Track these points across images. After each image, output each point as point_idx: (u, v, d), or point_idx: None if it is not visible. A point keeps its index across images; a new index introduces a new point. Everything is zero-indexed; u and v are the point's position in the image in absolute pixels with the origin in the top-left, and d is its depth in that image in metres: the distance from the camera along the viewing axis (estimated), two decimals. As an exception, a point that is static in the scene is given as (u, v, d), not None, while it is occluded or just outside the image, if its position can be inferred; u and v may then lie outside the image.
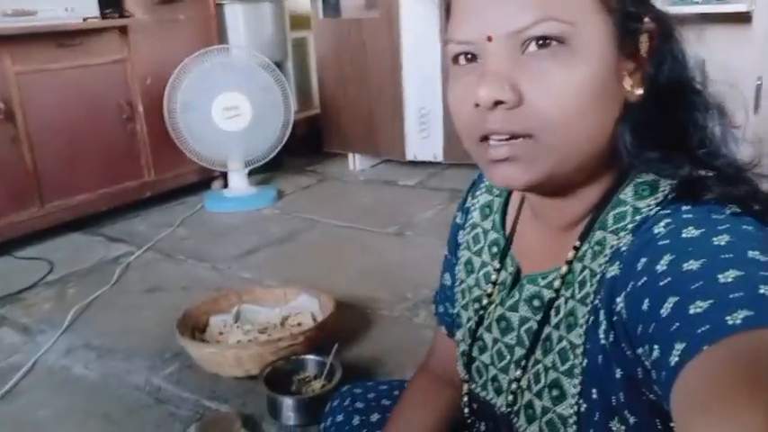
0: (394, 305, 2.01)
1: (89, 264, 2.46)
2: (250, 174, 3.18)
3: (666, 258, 0.48)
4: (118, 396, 1.62)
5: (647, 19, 0.57)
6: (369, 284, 2.15)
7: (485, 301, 0.72)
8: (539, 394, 0.63)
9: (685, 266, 0.46)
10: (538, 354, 0.64)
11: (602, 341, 0.56)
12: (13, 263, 2.49)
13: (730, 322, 0.40)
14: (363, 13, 3.39)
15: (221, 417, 1.50)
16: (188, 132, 2.97)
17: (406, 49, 3.23)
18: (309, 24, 3.60)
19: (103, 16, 2.75)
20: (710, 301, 0.42)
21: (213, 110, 2.94)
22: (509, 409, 0.67)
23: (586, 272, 0.60)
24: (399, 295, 2.06)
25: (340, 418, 0.94)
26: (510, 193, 0.74)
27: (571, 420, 0.60)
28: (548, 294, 0.64)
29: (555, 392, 0.62)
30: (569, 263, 0.62)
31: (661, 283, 0.47)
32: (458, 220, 0.81)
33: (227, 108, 2.95)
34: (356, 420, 0.92)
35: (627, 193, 0.59)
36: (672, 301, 0.44)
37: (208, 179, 3.26)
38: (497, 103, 0.54)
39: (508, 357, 0.68)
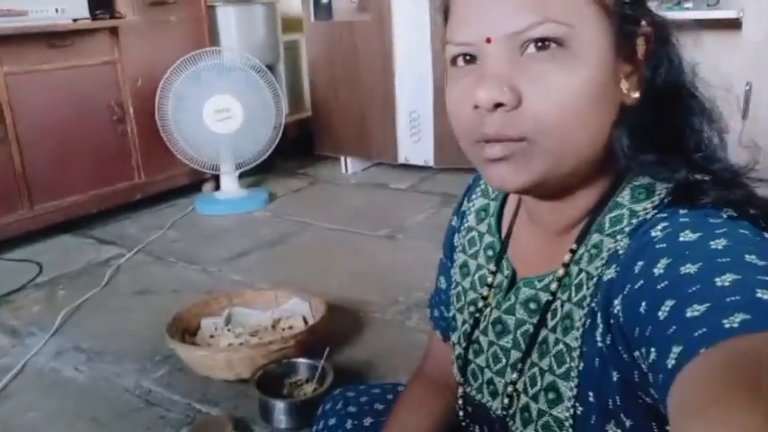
0: (386, 308, 2.01)
1: (79, 266, 2.44)
2: (241, 176, 3.18)
3: (664, 262, 0.48)
4: (107, 399, 1.61)
5: (644, 22, 0.57)
6: (360, 287, 2.15)
7: (480, 304, 0.72)
8: (535, 397, 0.63)
9: (683, 270, 0.46)
10: (534, 357, 0.64)
11: (599, 344, 0.56)
12: (1, 265, 2.47)
13: (727, 325, 0.40)
14: (355, 15, 3.39)
15: (212, 420, 1.49)
16: (179, 134, 2.96)
17: (397, 53, 3.24)
18: (301, 27, 3.60)
19: (94, 17, 2.74)
20: (707, 305, 0.42)
21: (204, 112, 2.93)
22: (505, 413, 0.67)
23: (583, 275, 0.60)
24: (391, 298, 2.06)
25: (332, 421, 0.93)
26: (506, 197, 0.75)
27: (567, 423, 0.60)
28: (544, 297, 0.64)
29: (551, 395, 0.62)
30: (566, 266, 0.62)
31: (658, 287, 0.47)
32: (453, 224, 0.81)
33: (219, 110, 2.94)
34: (349, 424, 0.91)
35: (623, 197, 0.59)
36: (669, 304, 0.45)
37: (199, 181, 3.25)
38: (497, 105, 0.54)
39: (504, 360, 0.68)
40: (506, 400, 0.67)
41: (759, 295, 0.41)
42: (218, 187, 3.20)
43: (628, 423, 0.56)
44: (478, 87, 0.54)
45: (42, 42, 2.57)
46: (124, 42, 2.84)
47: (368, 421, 0.91)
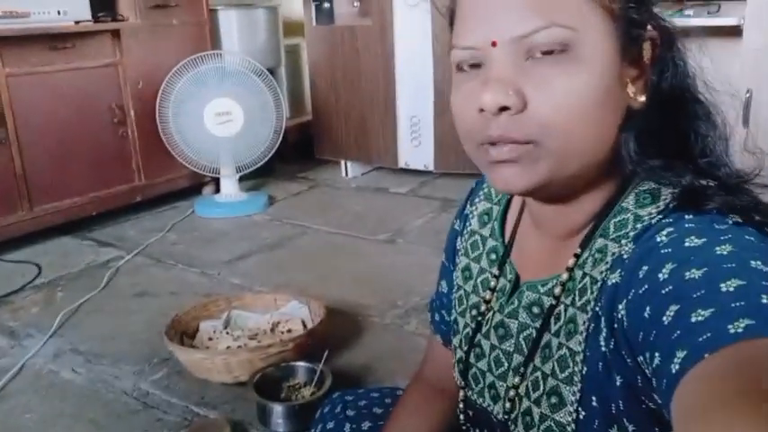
0: (385, 312, 2.01)
1: (78, 268, 2.44)
2: (241, 179, 3.18)
3: (668, 267, 0.48)
4: (105, 401, 1.60)
5: (650, 27, 0.57)
6: (360, 291, 2.15)
7: (483, 308, 0.72)
8: (537, 401, 0.63)
9: (687, 275, 0.46)
10: (537, 361, 0.64)
11: (603, 348, 0.56)
12: (0, 266, 2.47)
13: (732, 331, 0.40)
14: (357, 20, 3.40)
15: (210, 423, 1.49)
16: (179, 137, 2.96)
17: (399, 58, 3.24)
18: (303, 31, 3.60)
19: (96, 20, 2.74)
20: (712, 310, 0.42)
21: (205, 115, 2.93)
22: (506, 417, 0.67)
23: (587, 279, 0.60)
24: (390, 302, 2.06)
25: (331, 425, 0.93)
26: (509, 201, 0.75)
27: (570, 428, 0.60)
28: (547, 301, 0.64)
29: (554, 400, 0.62)
30: (570, 270, 0.62)
31: (663, 291, 0.47)
32: (456, 227, 0.81)
33: (220, 113, 2.94)
34: (347, 428, 0.91)
35: (628, 201, 0.59)
36: (673, 309, 0.44)
37: (199, 184, 3.25)
38: (502, 108, 0.54)
39: (506, 364, 0.68)
40: (508, 404, 0.67)
41: (764, 301, 0.41)
42: (218, 190, 3.20)
43: (630, 428, 0.56)
44: (484, 91, 0.55)
45: (44, 44, 2.58)
46: (126, 45, 2.84)
47: (366, 425, 0.91)
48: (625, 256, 0.56)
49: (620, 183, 0.61)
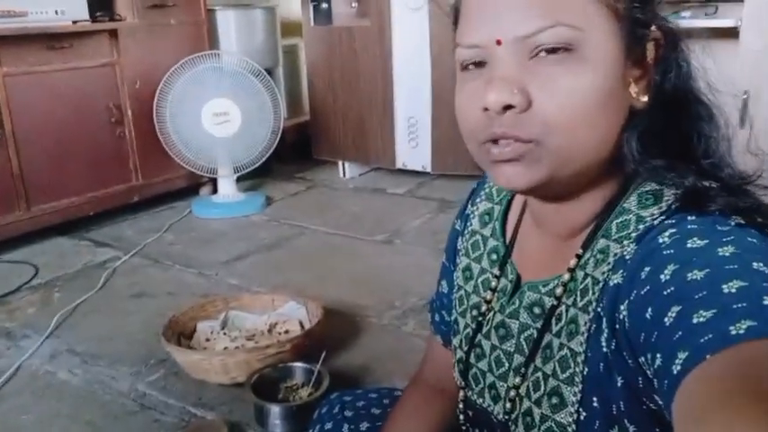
0: (382, 313, 2.01)
1: (75, 268, 2.44)
2: (239, 180, 3.17)
3: (671, 268, 0.48)
4: (102, 402, 1.60)
5: (654, 27, 0.58)
6: (357, 292, 2.15)
7: (483, 308, 0.72)
8: (538, 402, 0.63)
9: (689, 276, 0.46)
10: (537, 361, 0.64)
11: (604, 349, 0.56)
12: (-3, 266, 2.47)
13: (734, 332, 0.40)
14: (355, 21, 3.40)
15: (207, 424, 1.49)
16: (177, 137, 2.95)
17: (396, 58, 3.24)
18: (301, 31, 3.60)
19: (94, 19, 2.74)
20: (714, 311, 0.42)
21: (203, 115, 2.93)
22: (507, 417, 0.67)
23: (588, 280, 0.60)
24: (388, 303, 2.06)
25: (329, 426, 0.93)
26: (510, 202, 0.74)
27: (570, 429, 0.60)
28: (549, 302, 0.64)
29: (554, 400, 0.61)
30: (571, 270, 0.62)
31: (665, 293, 0.47)
32: (457, 227, 0.81)
33: (217, 114, 2.94)
34: (345, 429, 0.91)
35: (630, 202, 0.59)
36: (675, 310, 0.44)
37: (196, 185, 3.25)
38: (506, 107, 0.54)
39: (507, 365, 0.68)
40: (509, 405, 0.67)
41: (766, 302, 0.41)
42: (215, 190, 3.20)
43: (631, 429, 0.56)
44: (488, 90, 0.55)
45: (42, 44, 2.57)
46: (123, 45, 2.84)
47: (364, 426, 0.91)
48: (627, 257, 0.56)
49: (621, 183, 0.61)
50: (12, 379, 1.71)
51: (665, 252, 0.50)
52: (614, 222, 0.59)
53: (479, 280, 0.74)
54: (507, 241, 0.72)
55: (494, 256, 0.73)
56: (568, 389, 0.60)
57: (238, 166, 3.07)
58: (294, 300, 1.91)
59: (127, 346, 1.86)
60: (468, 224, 0.78)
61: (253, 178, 3.40)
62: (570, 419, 0.60)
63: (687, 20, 2.54)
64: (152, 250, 2.59)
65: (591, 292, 0.59)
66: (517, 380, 0.66)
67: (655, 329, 0.46)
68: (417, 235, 2.69)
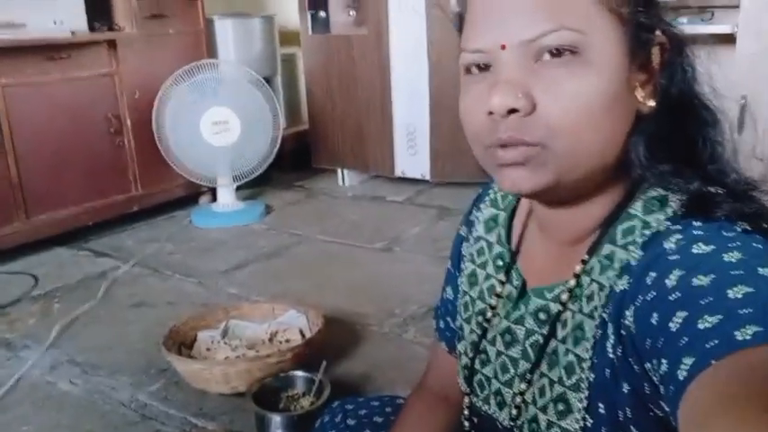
0: (383, 321, 2.00)
1: (75, 278, 2.43)
2: (238, 189, 3.18)
3: (676, 273, 0.48)
4: (103, 413, 1.60)
5: (659, 32, 0.58)
6: (357, 300, 2.14)
7: (489, 314, 0.72)
8: (544, 408, 0.63)
9: (695, 282, 0.46)
10: (543, 367, 0.64)
11: (610, 355, 0.56)
12: (-4, 277, 2.46)
13: (739, 337, 0.40)
14: (352, 29, 3.41)
15: (208, 434, 1.48)
16: (176, 147, 2.96)
17: (394, 67, 3.25)
18: (299, 40, 3.61)
19: (92, 30, 2.75)
20: (720, 317, 0.42)
21: (202, 124, 2.93)
22: (512, 423, 0.67)
23: (594, 285, 0.60)
24: (388, 311, 2.06)
25: (331, 434, 0.93)
26: (515, 208, 0.75)
27: None
28: (554, 308, 0.64)
29: (560, 407, 0.61)
30: (577, 276, 0.61)
31: (670, 298, 0.47)
32: (461, 233, 0.81)
33: (216, 123, 2.94)
34: (347, 437, 0.91)
35: (636, 208, 0.59)
36: (681, 315, 0.45)
37: (195, 194, 3.25)
38: (511, 111, 0.54)
39: (512, 371, 0.68)
40: (514, 411, 0.66)
41: None
42: (214, 200, 3.20)
43: None
44: (493, 94, 0.55)
45: (41, 54, 2.58)
46: (122, 55, 2.85)
47: (366, 434, 0.91)
48: (633, 263, 0.56)
49: (627, 188, 0.61)
50: (12, 390, 1.70)
51: (670, 258, 0.50)
52: (620, 228, 0.59)
53: (484, 286, 0.74)
54: (512, 247, 0.72)
55: (499, 262, 0.73)
56: (574, 395, 0.60)
57: (237, 175, 3.07)
58: (294, 308, 1.90)
59: (127, 356, 1.85)
60: (473, 230, 0.78)
61: (252, 187, 3.41)
62: (576, 426, 0.60)
63: (684, 26, 2.55)
64: (152, 260, 2.59)
65: (597, 297, 0.59)
66: (523, 386, 0.65)
67: (660, 335, 0.46)
68: (417, 242, 2.69)
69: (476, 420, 0.74)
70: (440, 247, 2.57)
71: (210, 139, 2.94)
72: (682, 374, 0.41)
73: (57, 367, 1.81)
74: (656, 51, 0.58)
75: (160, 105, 2.93)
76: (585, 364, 0.59)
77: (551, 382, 0.63)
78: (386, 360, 1.79)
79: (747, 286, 0.43)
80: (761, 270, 0.45)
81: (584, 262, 0.61)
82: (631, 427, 0.56)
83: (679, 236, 0.52)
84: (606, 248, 0.60)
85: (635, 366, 0.52)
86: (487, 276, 0.74)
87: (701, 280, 0.46)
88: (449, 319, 0.83)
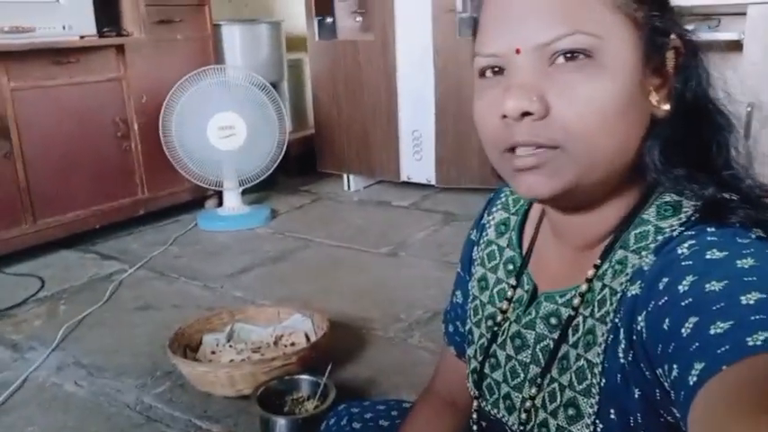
0: (388, 326, 2.00)
1: (81, 281, 2.44)
2: (244, 193, 3.18)
3: (689, 279, 0.48)
4: (108, 414, 1.60)
5: (673, 35, 0.58)
6: (363, 305, 2.15)
7: (499, 318, 0.71)
8: (554, 413, 0.63)
9: (708, 287, 0.46)
10: (554, 372, 0.64)
11: (621, 360, 0.56)
12: (3, 279, 2.47)
13: (751, 343, 0.40)
14: (359, 35, 3.43)
15: (213, 437, 1.49)
16: (183, 151, 2.97)
17: (400, 72, 3.26)
18: (305, 46, 3.63)
19: (101, 35, 2.76)
20: (731, 322, 0.42)
21: (208, 129, 2.94)
22: (522, 428, 0.67)
23: (606, 290, 0.59)
24: (393, 316, 2.06)
25: (336, 437, 0.93)
26: (527, 212, 0.75)
27: None
28: (566, 312, 0.64)
29: (571, 412, 0.61)
30: (589, 281, 0.61)
31: (682, 303, 0.47)
32: (472, 237, 0.81)
33: (223, 127, 2.95)
34: (352, 440, 0.91)
35: (649, 213, 0.59)
36: (693, 321, 0.44)
37: (201, 198, 3.26)
38: (525, 114, 0.55)
39: (522, 375, 0.68)
40: (524, 416, 0.66)
41: None
42: (220, 203, 3.21)
43: None
44: (507, 97, 0.55)
45: (49, 59, 2.59)
46: (130, 59, 2.86)
47: (372, 438, 0.91)
48: (645, 268, 0.55)
49: (641, 193, 0.61)
50: (18, 391, 1.71)
51: (683, 263, 0.50)
52: (633, 233, 0.59)
53: (495, 290, 0.74)
54: (524, 251, 0.72)
55: (510, 267, 0.73)
56: (585, 400, 0.60)
57: (243, 180, 3.08)
58: (300, 312, 1.91)
59: (133, 358, 1.86)
60: (484, 234, 0.78)
61: (258, 191, 3.41)
62: (587, 431, 0.60)
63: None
64: (158, 263, 2.60)
65: (609, 302, 0.59)
66: (533, 390, 0.65)
67: (672, 340, 0.46)
68: (422, 247, 2.69)
69: (484, 424, 0.74)
70: (445, 252, 2.57)
71: (217, 143, 2.96)
72: (692, 380, 0.41)
73: (62, 369, 1.82)
74: (670, 55, 0.58)
75: (167, 110, 2.94)
76: (596, 369, 0.59)
77: (562, 387, 0.62)
78: (391, 365, 1.79)
79: (760, 293, 0.43)
80: None
81: (596, 267, 0.61)
82: None
83: (692, 241, 0.52)
84: (619, 253, 0.60)
85: (646, 372, 0.52)
86: (498, 280, 0.74)
87: (714, 286, 0.46)
88: (458, 323, 0.83)
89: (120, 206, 2.91)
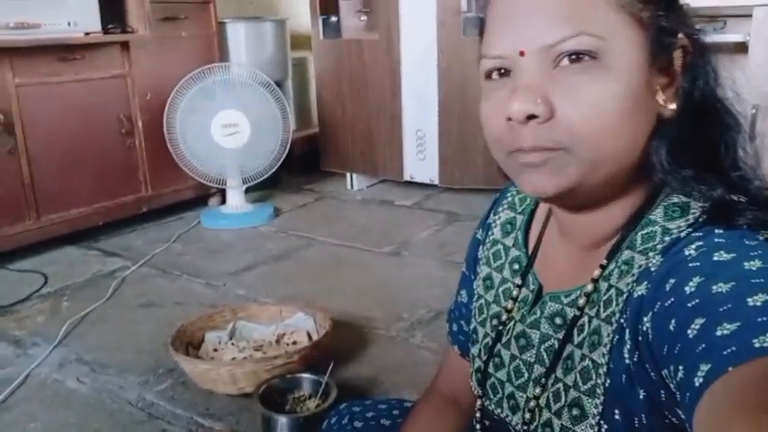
0: (390, 325, 2.00)
1: (84, 277, 2.45)
2: (247, 191, 3.19)
3: (696, 280, 0.48)
4: (110, 411, 1.60)
5: (681, 35, 0.57)
6: (365, 303, 2.15)
7: (504, 317, 0.71)
8: (558, 413, 0.63)
9: (714, 289, 0.46)
10: (558, 372, 0.64)
11: (627, 361, 0.55)
12: (7, 275, 2.48)
13: (757, 345, 0.40)
14: (363, 34, 3.42)
15: (215, 434, 1.49)
16: (186, 148, 2.97)
17: (405, 72, 3.26)
18: (310, 44, 3.63)
19: (106, 31, 2.76)
20: (738, 324, 0.42)
21: (212, 126, 2.95)
22: (525, 428, 0.67)
23: (612, 291, 0.59)
24: (396, 315, 2.06)
25: (338, 436, 0.93)
26: (533, 211, 0.75)
27: None
28: (571, 312, 0.63)
29: (575, 412, 0.61)
30: (595, 281, 0.61)
31: (689, 305, 0.46)
32: (478, 236, 0.81)
33: (227, 125, 2.96)
34: (354, 439, 0.91)
35: (656, 214, 0.59)
36: (699, 322, 0.44)
37: (205, 195, 3.26)
38: (530, 117, 0.55)
39: (526, 375, 0.68)
40: (528, 415, 0.66)
41: None
42: (224, 201, 3.21)
43: None
44: (512, 100, 0.55)
45: (54, 55, 2.60)
46: (135, 56, 2.87)
47: (374, 437, 0.91)
48: (652, 269, 0.55)
49: (648, 192, 0.60)
50: (20, 387, 1.71)
51: (690, 264, 0.50)
52: (640, 234, 0.59)
53: (500, 289, 0.74)
54: (530, 251, 0.72)
55: (515, 266, 0.73)
56: (590, 400, 0.60)
57: (247, 178, 3.09)
58: (302, 311, 1.91)
59: (135, 355, 1.86)
60: (490, 233, 0.78)
61: (261, 189, 3.42)
62: (591, 431, 0.60)
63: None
64: (160, 260, 2.60)
65: (614, 303, 0.58)
66: (537, 390, 0.65)
67: (678, 341, 0.46)
68: (425, 247, 2.69)
69: (487, 424, 0.74)
70: (448, 251, 2.57)
71: (221, 141, 2.96)
72: (698, 381, 0.41)
73: (65, 365, 1.82)
74: (677, 55, 0.58)
75: (171, 107, 2.94)
76: (601, 370, 0.58)
77: (566, 387, 0.62)
78: (392, 364, 1.79)
79: (767, 295, 0.43)
80: None
81: (602, 267, 0.61)
82: None
83: (700, 243, 0.52)
84: (625, 254, 0.59)
85: (651, 373, 0.52)
86: (503, 280, 0.74)
87: (721, 287, 0.46)
88: (462, 322, 0.83)
89: (123, 203, 2.91)
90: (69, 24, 2.60)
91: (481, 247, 0.79)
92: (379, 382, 1.70)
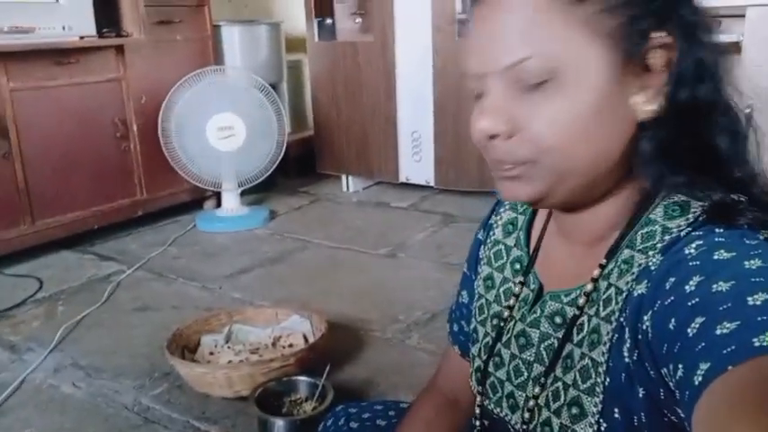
0: (386, 327, 2.00)
1: (79, 282, 2.44)
2: (243, 194, 3.18)
3: (696, 279, 0.48)
4: (106, 416, 1.60)
5: (660, 33, 0.55)
6: (361, 306, 2.14)
7: (505, 315, 0.72)
8: (557, 412, 0.63)
9: (714, 288, 0.46)
10: (558, 371, 0.64)
11: (626, 360, 0.55)
12: (1, 280, 2.47)
13: (757, 344, 0.40)
14: (358, 36, 3.43)
15: (211, 438, 1.48)
16: (182, 152, 2.97)
17: (400, 74, 3.26)
18: (305, 47, 3.63)
19: (100, 35, 2.76)
20: (738, 323, 0.42)
21: (207, 130, 2.94)
22: (525, 427, 0.67)
23: (612, 290, 0.59)
24: (392, 317, 2.06)
25: (334, 437, 0.92)
26: (535, 212, 0.75)
27: None
28: (570, 311, 0.64)
29: (574, 410, 0.61)
30: (595, 280, 0.62)
31: (689, 303, 0.47)
32: (479, 236, 0.81)
33: (222, 128, 2.95)
34: (350, 441, 0.91)
35: (656, 213, 0.59)
36: (699, 321, 0.44)
37: (200, 198, 3.26)
38: (492, 136, 0.58)
39: (526, 374, 0.68)
40: (527, 414, 0.66)
41: None
42: (219, 205, 3.21)
43: None
44: (476, 120, 0.58)
45: (49, 59, 2.59)
46: (130, 60, 2.86)
47: (370, 438, 0.91)
48: (652, 268, 0.55)
49: (644, 193, 0.60)
50: (16, 392, 1.70)
51: (690, 263, 0.50)
52: (639, 233, 0.59)
53: (501, 289, 0.74)
54: (531, 251, 0.73)
55: (517, 266, 0.73)
56: (589, 399, 0.60)
57: (242, 181, 3.08)
58: (298, 313, 1.90)
59: (130, 359, 1.86)
60: (491, 234, 0.78)
61: (257, 192, 3.41)
62: (590, 430, 0.59)
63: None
64: (156, 264, 2.60)
65: (614, 301, 0.59)
66: (536, 389, 0.65)
67: (678, 340, 0.46)
68: (421, 249, 2.69)
69: (487, 423, 0.74)
70: (444, 253, 2.57)
71: (216, 144, 2.96)
72: (697, 379, 0.41)
73: (60, 370, 1.82)
74: (656, 54, 0.56)
75: (166, 110, 2.94)
76: (601, 368, 0.59)
77: (566, 386, 0.62)
78: (389, 366, 1.79)
79: (767, 294, 0.43)
80: None
81: (602, 266, 0.61)
82: None
83: (700, 242, 0.52)
84: (625, 253, 0.60)
85: (651, 371, 0.52)
86: (505, 279, 0.75)
87: (721, 286, 0.46)
88: (463, 323, 0.83)
89: (118, 207, 2.90)
90: (64, 28, 2.60)
91: (482, 247, 0.80)
92: (376, 383, 1.70)
